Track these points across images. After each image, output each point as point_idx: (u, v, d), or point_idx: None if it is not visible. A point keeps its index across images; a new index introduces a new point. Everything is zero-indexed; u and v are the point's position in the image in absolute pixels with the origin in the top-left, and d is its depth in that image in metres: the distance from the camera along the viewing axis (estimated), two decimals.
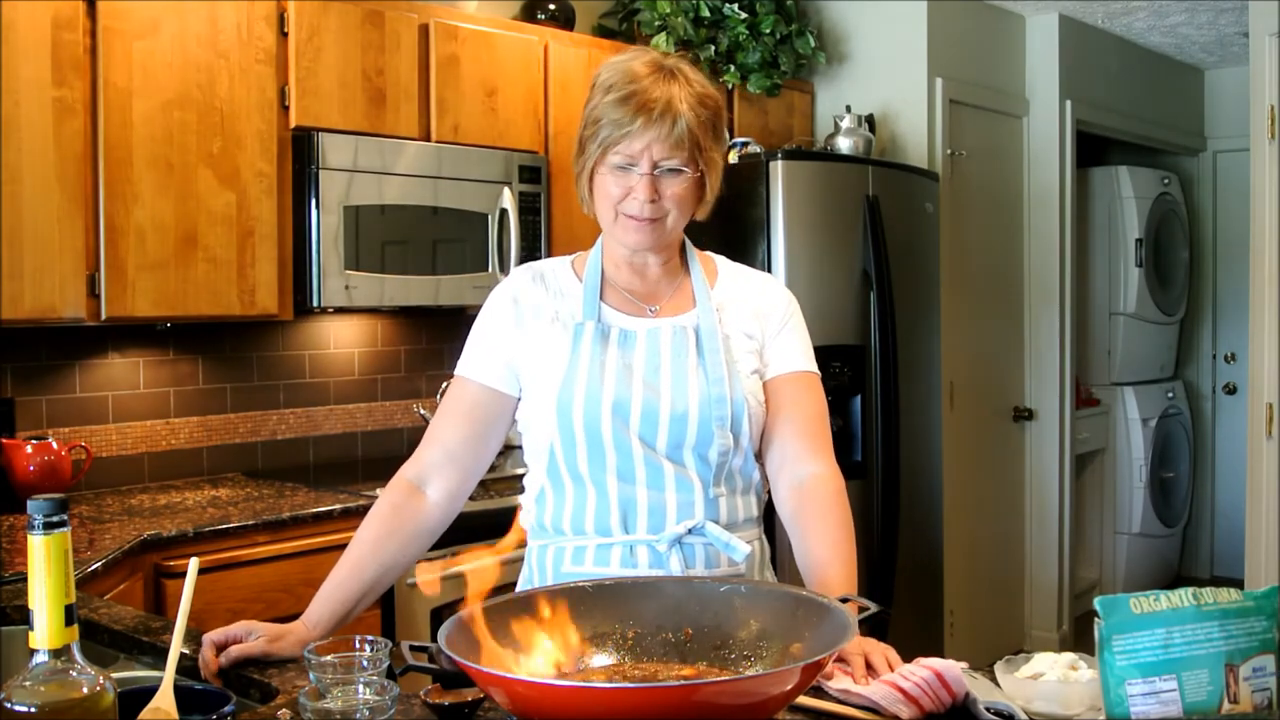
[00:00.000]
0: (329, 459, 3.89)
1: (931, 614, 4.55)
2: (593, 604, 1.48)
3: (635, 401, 1.80)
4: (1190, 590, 1.20)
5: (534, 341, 1.88)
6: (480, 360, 1.90)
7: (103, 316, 3.03)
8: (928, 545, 4.51)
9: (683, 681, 1.27)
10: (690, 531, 1.81)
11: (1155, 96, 6.32)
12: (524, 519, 1.94)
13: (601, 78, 1.85)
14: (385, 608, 3.12)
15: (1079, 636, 5.57)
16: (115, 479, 3.38)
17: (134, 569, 2.67)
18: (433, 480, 1.88)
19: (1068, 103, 5.48)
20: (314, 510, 3.06)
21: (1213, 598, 1.20)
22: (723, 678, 1.22)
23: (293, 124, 3.37)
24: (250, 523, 2.93)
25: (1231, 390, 6.68)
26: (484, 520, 3.20)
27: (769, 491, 1.94)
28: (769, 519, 1.96)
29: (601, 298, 1.90)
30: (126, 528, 2.81)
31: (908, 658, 1.61)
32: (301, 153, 3.37)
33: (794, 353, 1.94)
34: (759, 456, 1.92)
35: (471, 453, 1.89)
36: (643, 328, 1.87)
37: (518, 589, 1.92)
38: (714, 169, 1.86)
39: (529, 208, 3.78)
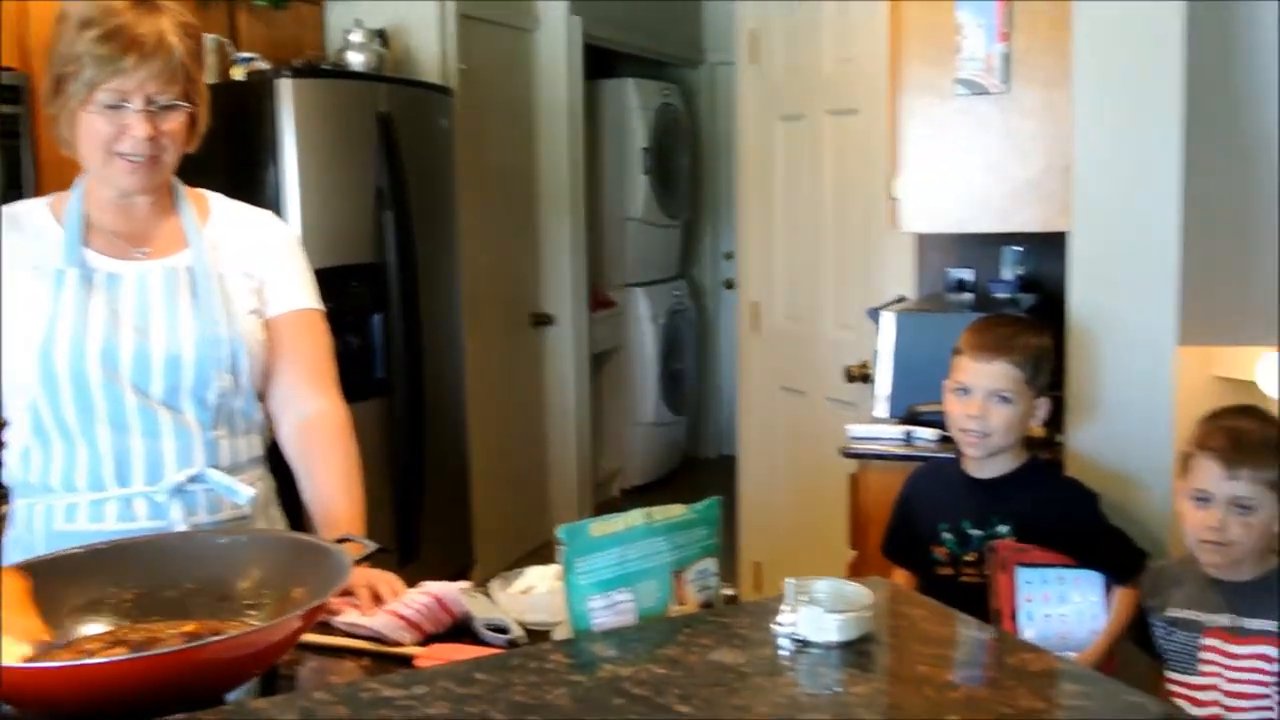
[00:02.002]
0: None
1: (462, 520, 4.71)
2: (86, 570, 1.46)
3: (125, 348, 1.76)
4: (642, 510, 1.36)
5: (9, 292, 1.78)
6: None
7: None
8: (455, 454, 4.65)
9: (179, 646, 1.28)
10: (191, 479, 1.80)
11: (659, 11, 6.68)
12: (5, 476, 1.86)
13: (77, 13, 1.75)
14: None
15: None
16: None
17: None
18: None
19: (576, 18, 5.69)
20: None
21: (662, 515, 1.36)
22: (218, 636, 1.25)
23: None
24: None
25: (731, 285, 7.27)
26: None
27: (273, 430, 1.96)
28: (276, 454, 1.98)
29: (86, 242, 1.82)
30: None
31: (438, 568, 1.71)
32: None
33: (295, 290, 1.95)
34: (263, 396, 1.93)
35: None
36: (131, 271, 1.82)
37: (3, 553, 1.85)
38: (204, 100, 1.84)
39: (8, 131, 3.49)
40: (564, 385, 5.81)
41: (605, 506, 6.19)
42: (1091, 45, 2.67)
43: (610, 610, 1.31)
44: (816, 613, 1.21)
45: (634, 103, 6.65)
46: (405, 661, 1.52)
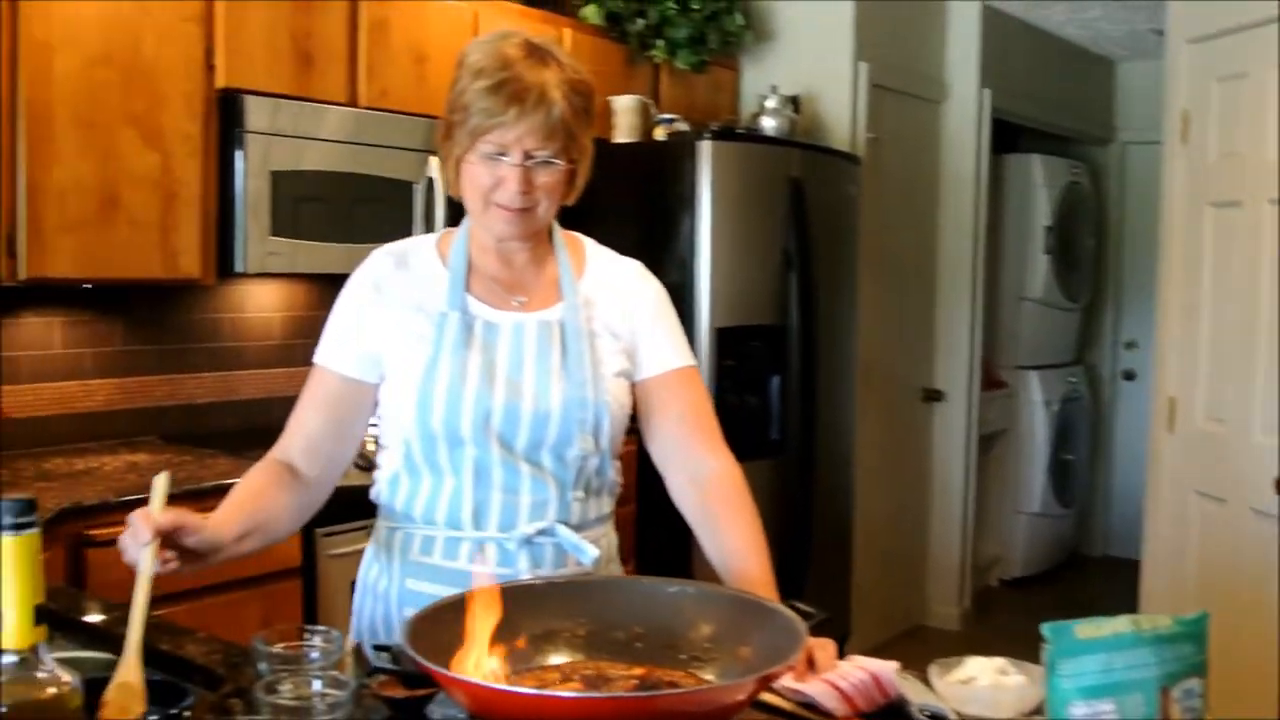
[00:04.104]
0: (245, 424, 3.85)
1: (840, 589, 4.65)
2: (543, 601, 1.51)
3: (497, 402, 1.77)
4: (1129, 618, 1.27)
5: (395, 331, 1.83)
6: (339, 350, 1.86)
7: (20, 276, 2.96)
8: (839, 522, 4.60)
9: (642, 694, 1.30)
10: (540, 532, 1.80)
11: (1069, 87, 6.47)
12: (374, 494, 1.92)
13: (470, 59, 1.78)
14: (307, 578, 3.12)
15: (979, 613, 5.73)
16: (29, 441, 3.31)
17: (54, 539, 2.63)
18: (298, 467, 1.85)
19: (986, 90, 5.58)
20: (235, 480, 3.01)
21: (1150, 625, 1.26)
22: (681, 689, 1.25)
23: (219, 85, 3.31)
24: (173, 491, 2.88)
25: (1130, 376, 6.89)
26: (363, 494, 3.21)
27: (621, 484, 1.95)
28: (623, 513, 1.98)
29: (467, 286, 1.85)
30: (45, 495, 2.76)
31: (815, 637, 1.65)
32: (228, 114, 3.31)
33: (668, 349, 1.92)
34: (614, 456, 1.91)
35: (334, 443, 1.86)
36: (508, 321, 1.83)
37: (362, 568, 1.94)
38: (585, 157, 1.82)
39: None
40: (950, 464, 5.65)
41: (983, 595, 5.97)
42: None
43: None
44: None
45: (1039, 179, 6.45)
46: None
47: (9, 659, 1.11)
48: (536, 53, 1.76)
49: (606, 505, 1.92)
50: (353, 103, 3.61)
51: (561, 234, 1.94)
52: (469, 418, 1.76)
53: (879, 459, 5.16)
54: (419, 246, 1.91)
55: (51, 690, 1.12)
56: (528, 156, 1.74)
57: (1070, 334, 6.83)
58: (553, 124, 1.72)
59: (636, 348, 1.90)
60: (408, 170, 3.67)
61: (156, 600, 2.65)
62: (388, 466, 1.87)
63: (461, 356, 1.78)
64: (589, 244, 1.98)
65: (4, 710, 1.09)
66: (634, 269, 1.98)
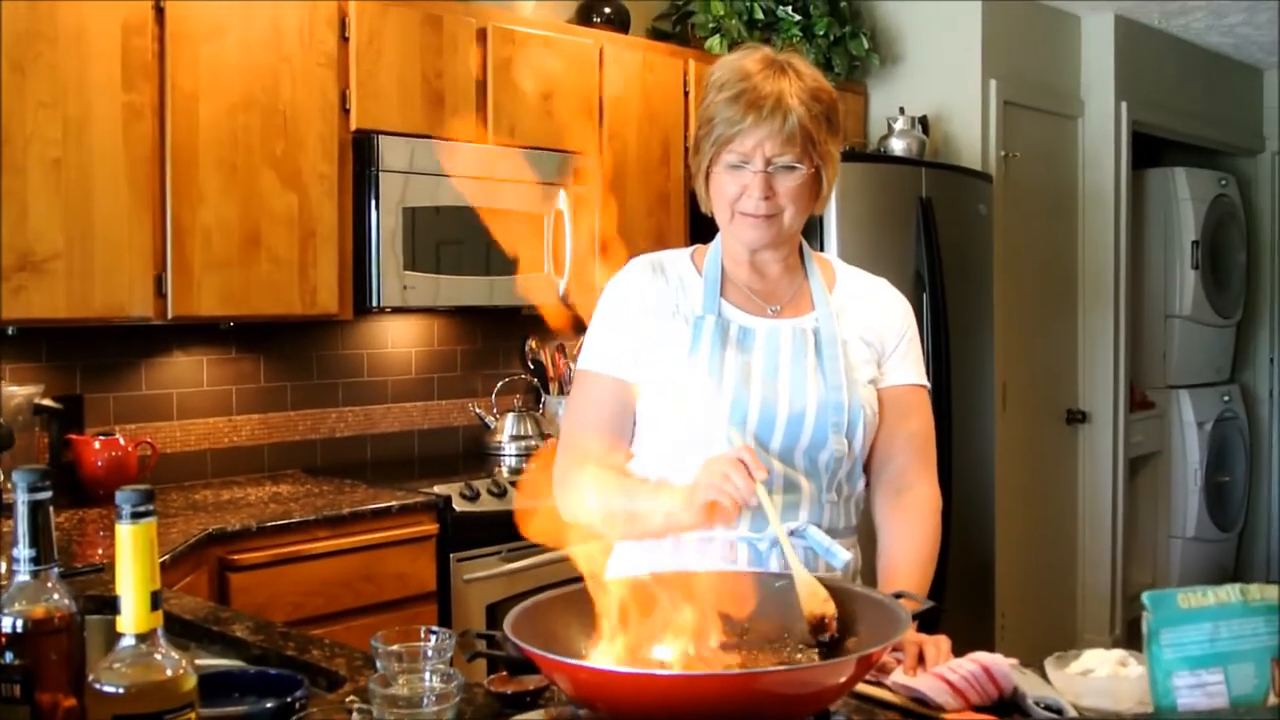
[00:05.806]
0: (386, 457, 3.95)
1: (983, 614, 4.55)
2: (650, 594, 1.52)
3: (754, 402, 1.80)
4: (1238, 586, 1.23)
5: (653, 334, 1.87)
6: (608, 352, 1.90)
7: (169, 315, 3.10)
8: (980, 546, 4.51)
9: (743, 670, 1.30)
10: (792, 533, 1.79)
11: (1212, 97, 6.27)
12: None
13: (714, 76, 1.85)
14: (442, 601, 3.18)
15: (1131, 640, 5.52)
16: (179, 475, 3.45)
17: (199, 563, 2.74)
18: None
19: (1123, 103, 5.45)
20: (373, 506, 3.12)
21: (1260, 594, 1.23)
22: (782, 667, 1.25)
23: (353, 126, 3.43)
24: (311, 518, 2.99)
25: None
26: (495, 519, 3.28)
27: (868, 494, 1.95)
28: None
29: (722, 294, 1.90)
30: (191, 522, 2.88)
31: (959, 654, 1.64)
32: (362, 155, 3.43)
33: (909, 365, 1.94)
34: (865, 465, 1.92)
35: (616, 437, 1.90)
36: (762, 327, 1.87)
37: (608, 574, 1.94)
38: (830, 163, 1.85)
39: (583, 209, 3.82)
40: (1097, 488, 5.49)
41: (1137, 623, 5.75)
42: None
43: (1198, 690, 1.19)
44: None
45: (1184, 193, 6.25)
46: None
47: (128, 642, 1.17)
48: (775, 64, 1.82)
49: (854, 516, 1.92)
50: (483, 140, 3.71)
51: (811, 252, 1.98)
52: (724, 416, 1.79)
53: (1021, 482, 5.04)
54: (674, 257, 1.97)
55: (168, 672, 1.17)
56: (769, 163, 1.78)
57: (1222, 352, 6.58)
58: (790, 129, 1.76)
59: (883, 359, 1.92)
60: (537, 204, 3.74)
61: (299, 622, 2.75)
62: (640, 470, 1.90)
63: (718, 358, 1.83)
64: (838, 261, 2.03)
65: (123, 690, 1.14)
66: (884, 284, 2.01)
